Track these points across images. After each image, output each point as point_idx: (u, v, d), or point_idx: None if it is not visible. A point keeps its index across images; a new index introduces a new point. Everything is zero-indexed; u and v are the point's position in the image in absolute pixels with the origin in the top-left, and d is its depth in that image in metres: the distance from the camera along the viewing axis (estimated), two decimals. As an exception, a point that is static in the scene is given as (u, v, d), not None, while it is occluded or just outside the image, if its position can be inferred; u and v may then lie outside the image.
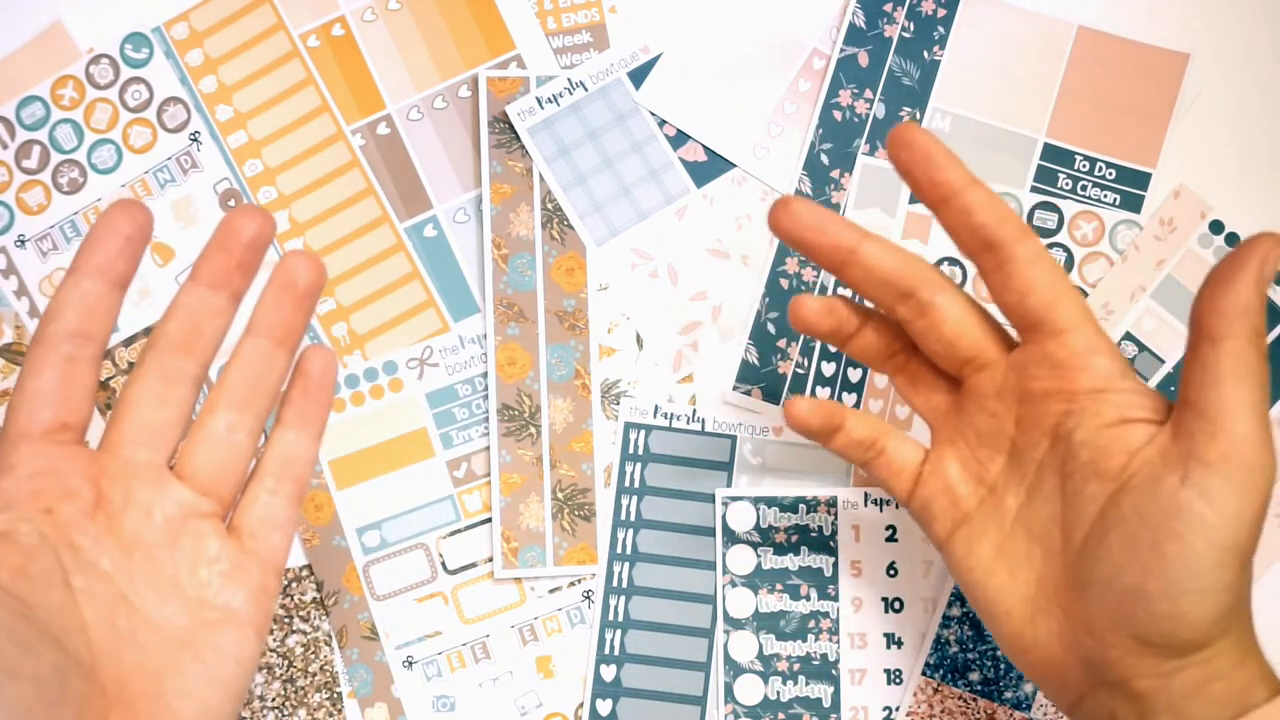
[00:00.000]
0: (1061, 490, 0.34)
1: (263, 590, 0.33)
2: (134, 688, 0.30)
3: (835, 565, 0.44)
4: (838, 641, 0.44)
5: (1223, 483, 0.29)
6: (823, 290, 0.46)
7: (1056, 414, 0.34)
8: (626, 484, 0.45)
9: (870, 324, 0.38)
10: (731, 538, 0.44)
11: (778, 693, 0.43)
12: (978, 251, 0.34)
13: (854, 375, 0.45)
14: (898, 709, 0.43)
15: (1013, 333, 0.36)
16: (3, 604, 0.27)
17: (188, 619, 0.32)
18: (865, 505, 0.44)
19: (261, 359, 0.34)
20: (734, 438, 0.45)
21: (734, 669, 0.43)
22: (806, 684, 0.43)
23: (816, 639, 0.44)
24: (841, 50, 0.47)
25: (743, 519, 0.44)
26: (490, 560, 0.45)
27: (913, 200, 0.46)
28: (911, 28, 0.47)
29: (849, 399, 0.45)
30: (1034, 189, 0.46)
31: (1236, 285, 0.30)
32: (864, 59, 0.47)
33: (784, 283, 0.46)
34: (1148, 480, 0.31)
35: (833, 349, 0.45)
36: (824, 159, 0.46)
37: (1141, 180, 0.46)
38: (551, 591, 0.44)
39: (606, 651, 0.44)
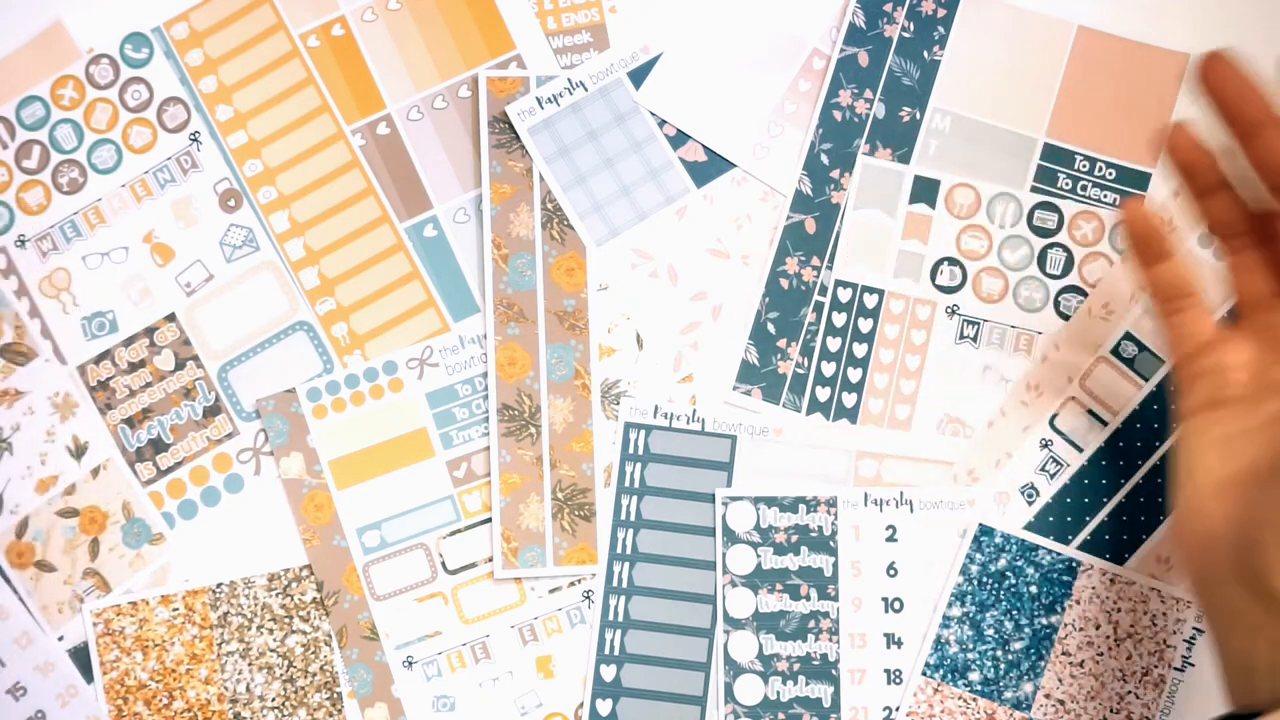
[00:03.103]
0: None
1: None
2: None
3: (835, 565, 0.44)
4: (838, 641, 0.44)
5: None
6: (822, 290, 0.46)
7: None
8: (626, 484, 0.45)
9: (1230, 193, 0.38)
10: (731, 538, 0.44)
11: (778, 693, 0.43)
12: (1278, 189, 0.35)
13: (854, 375, 0.45)
14: (898, 709, 0.43)
15: None
16: None
17: None
18: (865, 505, 0.44)
19: None
20: (734, 438, 0.45)
21: (734, 669, 0.43)
22: (806, 684, 0.43)
23: (816, 639, 0.44)
24: (841, 50, 0.47)
25: (743, 519, 0.44)
26: (490, 560, 0.45)
27: (913, 200, 0.46)
28: (911, 28, 0.47)
29: (849, 399, 0.45)
30: (1034, 189, 0.46)
31: None
32: (864, 59, 0.47)
33: (784, 283, 0.46)
34: None
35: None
36: (824, 159, 0.46)
37: (1141, 180, 0.46)
38: (551, 591, 0.44)
39: (606, 651, 0.44)
